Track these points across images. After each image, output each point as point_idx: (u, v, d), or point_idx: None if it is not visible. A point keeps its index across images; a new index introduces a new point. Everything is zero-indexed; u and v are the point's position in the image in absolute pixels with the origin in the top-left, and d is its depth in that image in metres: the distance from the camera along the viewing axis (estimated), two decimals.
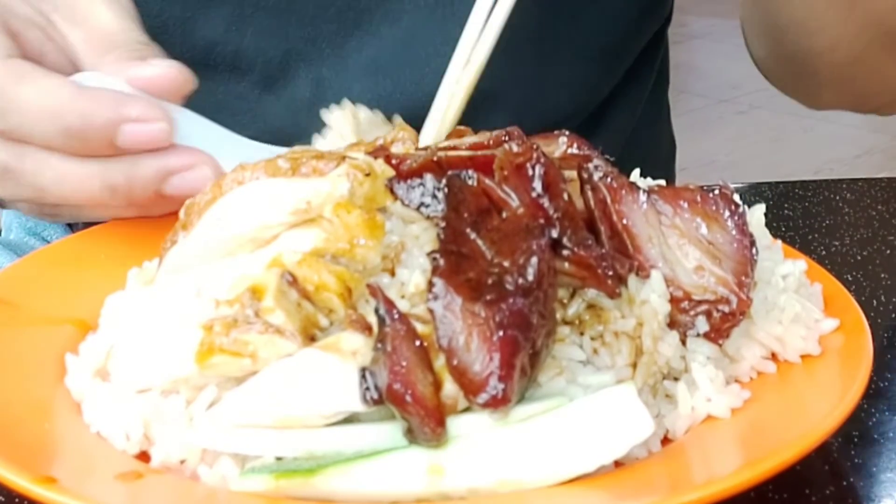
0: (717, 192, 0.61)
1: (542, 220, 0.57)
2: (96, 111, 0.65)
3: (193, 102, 0.72)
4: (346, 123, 0.72)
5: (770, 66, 0.98)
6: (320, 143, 0.73)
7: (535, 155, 0.58)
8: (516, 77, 0.89)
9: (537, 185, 0.58)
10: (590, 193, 0.61)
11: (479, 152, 0.61)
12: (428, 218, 0.59)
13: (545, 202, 0.58)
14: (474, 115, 0.73)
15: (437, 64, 0.74)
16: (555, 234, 0.57)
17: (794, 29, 0.88)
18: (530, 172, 0.58)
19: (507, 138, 0.62)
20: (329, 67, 0.87)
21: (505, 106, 0.88)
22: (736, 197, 0.61)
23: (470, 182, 0.58)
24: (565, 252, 0.57)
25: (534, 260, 0.54)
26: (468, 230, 0.56)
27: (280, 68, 0.88)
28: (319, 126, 0.73)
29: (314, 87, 0.89)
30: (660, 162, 1.09)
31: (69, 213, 0.72)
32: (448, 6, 0.74)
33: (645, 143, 1.03)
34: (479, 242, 0.56)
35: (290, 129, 0.75)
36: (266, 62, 0.89)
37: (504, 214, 0.58)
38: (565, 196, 0.58)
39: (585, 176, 0.62)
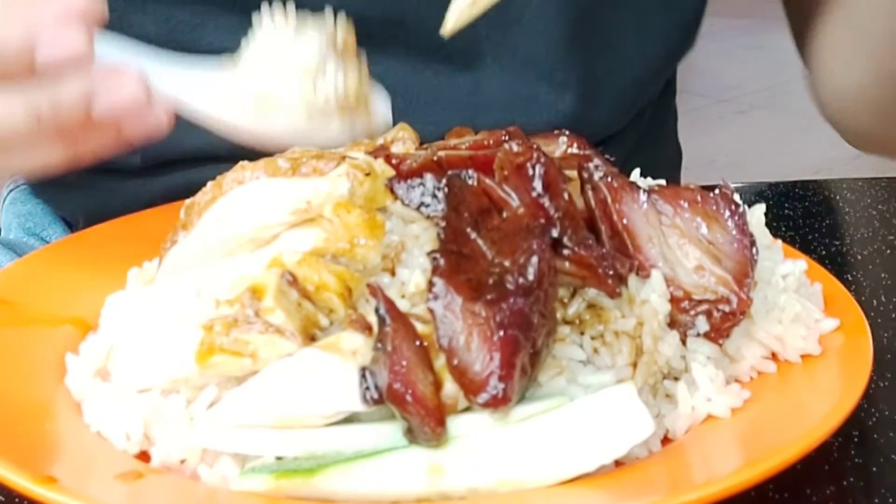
0: (717, 191, 0.61)
1: (542, 220, 0.57)
2: (10, 32, 0.62)
3: None
4: (279, 17, 0.70)
5: (865, 92, 0.87)
6: (256, 38, 0.71)
7: (535, 155, 0.59)
8: (527, 111, 0.89)
9: (537, 184, 0.58)
10: (590, 193, 0.61)
11: (480, 152, 0.61)
12: (428, 218, 0.59)
13: (545, 202, 0.58)
14: None
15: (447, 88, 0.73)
16: (555, 233, 0.57)
17: None
18: (530, 172, 0.58)
19: (507, 138, 0.62)
20: None
21: None
22: (736, 197, 0.61)
23: (470, 182, 0.58)
24: (566, 252, 0.57)
25: (534, 259, 0.54)
26: (468, 230, 0.56)
27: None
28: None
29: None
30: (664, 171, 1.08)
31: None
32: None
33: (648, 152, 1.02)
34: (480, 242, 0.56)
35: None
36: None
37: (504, 214, 0.58)
38: (566, 196, 0.58)
39: (586, 175, 0.62)
